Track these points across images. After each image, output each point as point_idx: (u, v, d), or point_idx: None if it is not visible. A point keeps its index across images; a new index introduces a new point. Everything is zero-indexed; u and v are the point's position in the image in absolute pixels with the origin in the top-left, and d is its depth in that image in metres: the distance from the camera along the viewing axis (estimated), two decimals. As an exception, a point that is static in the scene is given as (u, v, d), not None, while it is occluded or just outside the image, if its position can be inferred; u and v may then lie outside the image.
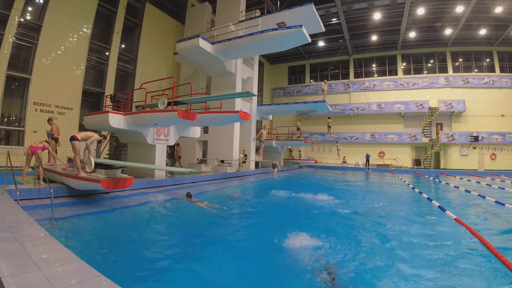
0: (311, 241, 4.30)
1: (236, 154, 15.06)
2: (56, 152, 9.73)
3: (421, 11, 19.58)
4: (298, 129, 24.19)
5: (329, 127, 23.18)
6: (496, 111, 23.14)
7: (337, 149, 25.10)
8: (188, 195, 7.62)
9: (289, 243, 4.25)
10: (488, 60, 24.07)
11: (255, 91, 17.64)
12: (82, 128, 12.62)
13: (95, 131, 8.59)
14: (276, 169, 15.45)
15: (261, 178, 14.58)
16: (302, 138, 22.77)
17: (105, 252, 3.77)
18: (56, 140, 8.83)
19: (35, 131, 11.25)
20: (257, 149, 18.78)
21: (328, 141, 27.18)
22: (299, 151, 27.90)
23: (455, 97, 23.92)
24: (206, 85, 17.13)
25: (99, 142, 6.68)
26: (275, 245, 4.22)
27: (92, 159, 6.21)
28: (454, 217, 6.09)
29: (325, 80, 21.13)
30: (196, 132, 11.75)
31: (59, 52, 12.16)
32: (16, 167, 9.84)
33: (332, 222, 5.85)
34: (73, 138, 6.32)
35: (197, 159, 15.32)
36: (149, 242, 4.31)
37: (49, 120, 9.07)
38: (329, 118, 24.10)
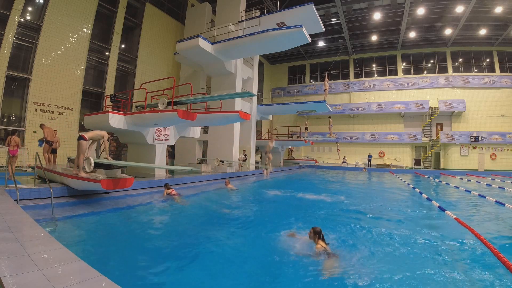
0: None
1: (236, 154, 15.07)
2: (54, 153, 9.77)
3: (421, 11, 19.58)
4: (306, 128, 24.25)
5: (331, 126, 23.21)
6: (496, 111, 23.15)
7: (337, 149, 25.12)
8: (167, 187, 7.78)
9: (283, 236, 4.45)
10: (488, 60, 24.08)
11: (255, 91, 17.64)
12: (82, 128, 12.62)
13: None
14: (268, 170, 15.36)
15: (261, 178, 14.58)
16: (302, 138, 22.78)
17: (105, 252, 3.77)
18: (49, 143, 8.85)
19: (35, 131, 11.24)
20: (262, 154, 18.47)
21: (328, 141, 27.21)
22: (291, 151, 27.76)
23: (455, 97, 23.93)
24: (206, 85, 17.13)
25: (107, 139, 6.86)
26: (271, 238, 4.24)
27: (91, 159, 6.21)
28: (454, 217, 6.09)
29: (327, 78, 20.89)
30: (196, 132, 11.76)
31: (59, 52, 12.16)
32: (16, 167, 9.83)
33: (329, 221, 5.84)
34: (81, 138, 6.28)
35: (197, 159, 15.32)
36: (149, 242, 4.31)
37: (41, 125, 9.15)
38: (330, 117, 24.10)
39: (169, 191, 7.65)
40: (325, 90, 19.70)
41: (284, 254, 3.81)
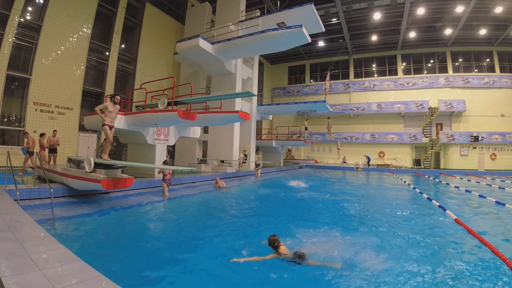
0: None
1: (236, 154, 15.07)
2: (54, 153, 9.79)
3: (421, 11, 19.58)
4: (306, 128, 24.27)
5: (330, 127, 23.17)
6: (496, 111, 23.15)
7: (337, 148, 25.01)
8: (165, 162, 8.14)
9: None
10: (488, 60, 24.08)
11: (255, 91, 17.64)
12: (82, 128, 12.63)
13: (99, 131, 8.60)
14: (259, 169, 15.30)
15: (261, 178, 14.58)
16: (302, 138, 22.78)
17: (105, 252, 3.77)
18: (31, 153, 8.88)
19: (35, 131, 11.24)
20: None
21: (328, 141, 27.20)
22: (289, 151, 27.66)
23: (455, 97, 23.93)
24: (206, 85, 17.13)
25: (115, 103, 6.86)
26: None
27: (91, 158, 6.20)
28: (454, 217, 6.09)
29: (328, 78, 20.66)
30: (196, 132, 11.75)
31: (59, 52, 12.16)
32: (16, 167, 9.82)
33: (327, 221, 5.84)
34: (103, 125, 6.62)
35: (197, 159, 15.33)
36: (149, 242, 4.31)
37: (25, 133, 9.25)
38: (329, 118, 24.06)
39: (166, 171, 7.85)
40: (325, 89, 19.65)
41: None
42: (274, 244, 3.59)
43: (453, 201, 9.22)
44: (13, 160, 8.91)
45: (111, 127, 6.80)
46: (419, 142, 24.46)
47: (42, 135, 9.62)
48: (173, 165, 15.02)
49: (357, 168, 23.28)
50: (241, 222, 5.77)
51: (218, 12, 16.22)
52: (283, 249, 3.58)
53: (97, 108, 6.60)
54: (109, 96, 10.60)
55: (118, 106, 6.96)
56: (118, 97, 6.98)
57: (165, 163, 8.50)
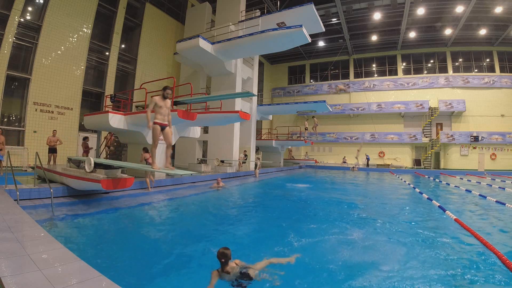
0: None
1: (236, 154, 15.07)
2: (54, 153, 9.81)
3: (421, 11, 19.58)
4: (306, 128, 24.32)
5: (316, 125, 23.17)
6: (496, 111, 23.15)
7: (358, 150, 24.48)
8: (145, 151, 8.03)
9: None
10: (488, 60, 24.08)
11: (255, 91, 17.63)
12: (82, 128, 12.63)
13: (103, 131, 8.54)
14: (258, 169, 15.28)
15: (260, 178, 14.59)
16: (302, 138, 22.79)
17: (105, 252, 3.77)
18: None
19: (35, 131, 11.25)
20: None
21: (328, 141, 27.23)
22: (290, 151, 27.70)
23: (455, 97, 23.93)
24: (206, 85, 17.13)
25: (165, 97, 5.66)
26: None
27: (91, 158, 6.20)
28: (454, 217, 6.09)
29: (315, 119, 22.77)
30: (196, 132, 11.75)
31: (59, 52, 12.16)
32: (16, 167, 9.84)
33: (328, 220, 5.84)
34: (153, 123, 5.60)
35: (197, 159, 15.32)
36: (149, 242, 4.31)
37: None
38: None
39: (147, 155, 7.80)
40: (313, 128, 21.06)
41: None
42: (221, 260, 2.98)
43: (453, 201, 9.22)
44: (13, 160, 8.92)
45: (163, 126, 5.63)
46: (419, 142, 24.46)
47: (85, 138, 10.40)
48: (173, 165, 15.00)
49: (353, 168, 23.31)
50: (237, 223, 5.78)
51: (218, 12, 16.22)
52: (230, 267, 3.00)
53: (148, 110, 5.56)
54: (109, 96, 10.66)
55: (168, 101, 5.73)
56: (169, 91, 5.69)
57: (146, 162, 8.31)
